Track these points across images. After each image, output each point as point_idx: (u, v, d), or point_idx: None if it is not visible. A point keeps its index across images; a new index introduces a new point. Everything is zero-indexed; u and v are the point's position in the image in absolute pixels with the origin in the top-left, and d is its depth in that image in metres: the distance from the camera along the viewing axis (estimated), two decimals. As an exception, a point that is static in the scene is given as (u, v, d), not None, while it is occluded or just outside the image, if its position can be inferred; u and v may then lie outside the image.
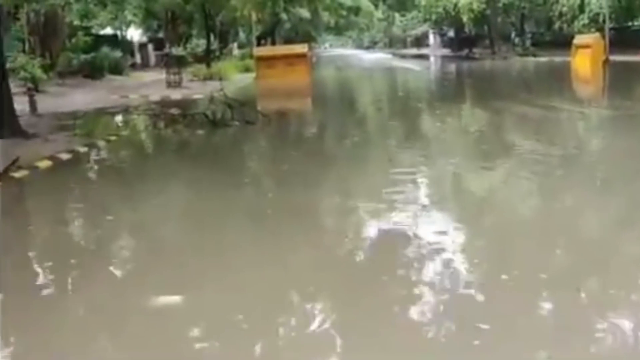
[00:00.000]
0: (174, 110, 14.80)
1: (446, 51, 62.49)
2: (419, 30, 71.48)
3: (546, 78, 27.20)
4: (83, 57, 26.58)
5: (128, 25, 44.92)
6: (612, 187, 6.92)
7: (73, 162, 9.03)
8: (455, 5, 48.88)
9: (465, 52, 54.21)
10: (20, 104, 13.59)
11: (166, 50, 28.98)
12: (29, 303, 4.15)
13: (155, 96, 19.13)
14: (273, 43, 47.44)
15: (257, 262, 4.69)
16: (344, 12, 56.89)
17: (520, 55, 43.22)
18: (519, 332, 3.50)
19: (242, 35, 48.85)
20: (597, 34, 29.44)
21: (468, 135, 11.26)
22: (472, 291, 4.04)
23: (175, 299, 4.07)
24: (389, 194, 6.55)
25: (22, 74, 16.46)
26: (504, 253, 4.79)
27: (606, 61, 27.29)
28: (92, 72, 26.04)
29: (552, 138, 10.09)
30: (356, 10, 59.45)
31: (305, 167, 8.30)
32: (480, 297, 3.97)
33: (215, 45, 37.40)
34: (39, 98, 15.69)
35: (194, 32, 41.27)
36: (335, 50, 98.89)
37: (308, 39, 50.30)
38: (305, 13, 44.88)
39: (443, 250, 4.83)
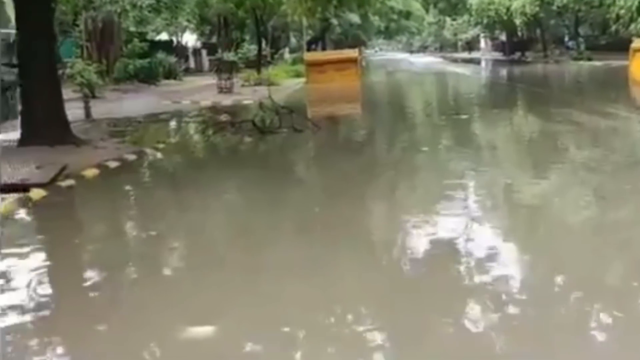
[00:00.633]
0: (223, 117, 15.01)
1: (497, 55, 61.76)
2: (470, 34, 70.79)
3: (602, 83, 26.54)
4: (139, 62, 27.23)
5: (183, 30, 45.83)
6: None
7: (120, 171, 9.15)
8: (508, 8, 48.27)
9: (517, 55, 53.44)
10: (76, 110, 14.02)
11: (218, 55, 29.35)
12: (80, 322, 4.15)
13: (206, 102, 19.42)
14: (324, 47, 47.71)
15: (314, 281, 4.65)
16: (395, 16, 56.89)
17: (574, 59, 42.40)
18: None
19: (293, 40, 49.24)
20: (657, 38, 28.63)
21: (523, 144, 11.10)
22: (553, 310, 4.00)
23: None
24: (442, 206, 6.56)
25: (79, 79, 16.93)
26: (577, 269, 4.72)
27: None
28: (147, 77, 26.70)
29: (612, 146, 9.89)
30: (407, 14, 59.32)
31: (355, 179, 8.23)
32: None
33: (266, 50, 37.77)
34: (94, 104, 16.11)
35: (247, 37, 41.76)
36: (386, 54, 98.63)
37: (358, 43, 50.31)
38: (355, 18, 45.01)
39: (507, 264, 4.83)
